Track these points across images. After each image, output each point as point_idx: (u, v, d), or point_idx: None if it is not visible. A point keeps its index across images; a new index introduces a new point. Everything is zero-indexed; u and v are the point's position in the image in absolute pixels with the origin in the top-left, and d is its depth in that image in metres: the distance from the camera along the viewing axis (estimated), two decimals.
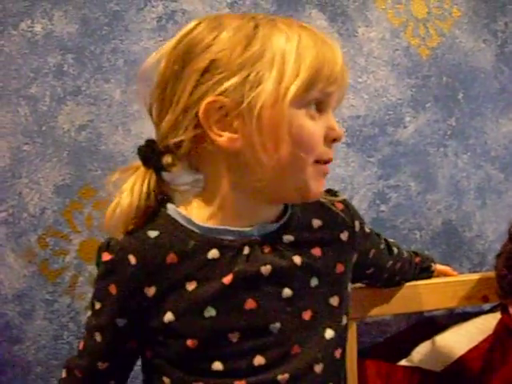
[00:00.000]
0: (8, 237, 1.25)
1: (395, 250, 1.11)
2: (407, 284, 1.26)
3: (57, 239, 1.26)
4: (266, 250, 0.79)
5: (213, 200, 0.79)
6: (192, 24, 0.78)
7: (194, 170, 0.81)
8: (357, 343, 1.20)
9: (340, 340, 0.85)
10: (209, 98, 0.72)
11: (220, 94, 0.72)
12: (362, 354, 1.25)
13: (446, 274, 1.26)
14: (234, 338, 0.77)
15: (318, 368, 0.81)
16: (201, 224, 0.78)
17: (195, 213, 0.80)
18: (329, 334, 0.83)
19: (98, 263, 0.80)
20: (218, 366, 0.77)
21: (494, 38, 1.56)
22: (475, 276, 1.29)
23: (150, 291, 0.77)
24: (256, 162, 0.73)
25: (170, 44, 0.78)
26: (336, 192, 0.91)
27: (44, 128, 1.25)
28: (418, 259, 1.18)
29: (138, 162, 0.79)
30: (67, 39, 1.26)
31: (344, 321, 0.86)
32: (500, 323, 1.22)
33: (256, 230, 0.79)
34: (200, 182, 0.81)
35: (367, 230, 0.96)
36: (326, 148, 0.76)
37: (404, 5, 1.48)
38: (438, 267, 1.24)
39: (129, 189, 0.77)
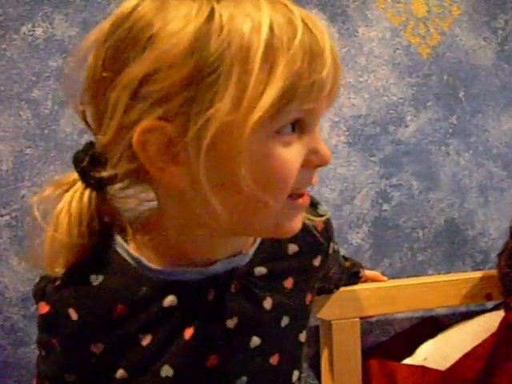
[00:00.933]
0: (12, 240, 1.25)
1: (345, 263, 1.06)
2: (411, 283, 1.26)
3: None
4: (234, 289, 0.67)
5: (165, 233, 0.64)
6: (132, 1, 0.58)
7: (143, 186, 0.65)
8: (360, 342, 1.20)
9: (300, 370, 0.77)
10: (145, 122, 0.55)
11: (160, 118, 0.55)
12: (366, 353, 1.25)
13: (374, 280, 1.24)
14: None
15: None
16: (153, 266, 0.64)
17: (146, 250, 0.65)
18: (295, 375, 0.75)
19: (36, 305, 0.66)
20: None
21: (494, 35, 1.56)
22: (478, 274, 1.30)
23: (97, 348, 0.64)
24: (208, 204, 0.56)
25: (102, 30, 0.60)
26: (317, 204, 0.80)
27: (46, 131, 1.25)
28: (347, 264, 1.10)
29: (75, 174, 0.63)
30: (68, 42, 1.26)
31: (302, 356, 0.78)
32: (504, 321, 1.22)
33: (221, 265, 0.66)
34: (150, 200, 0.67)
35: (336, 247, 0.87)
36: (306, 176, 0.60)
37: (404, 4, 1.48)
38: (367, 272, 1.21)
39: (65, 210, 0.62)
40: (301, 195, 0.61)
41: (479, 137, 1.55)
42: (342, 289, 1.18)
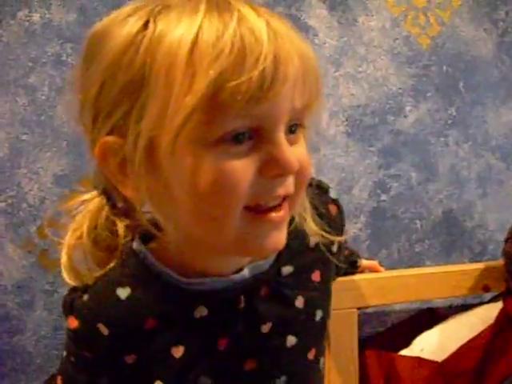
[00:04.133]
0: (7, 227, 1.24)
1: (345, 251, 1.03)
2: (408, 274, 1.26)
3: (56, 229, 1.25)
4: (265, 293, 0.65)
5: (178, 246, 0.62)
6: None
7: None
8: (357, 333, 1.19)
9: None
10: (101, 139, 0.55)
11: (110, 133, 0.54)
12: (363, 344, 1.24)
13: (372, 270, 1.23)
14: None
15: None
16: (181, 278, 0.62)
17: (170, 261, 0.63)
18: (321, 362, 0.74)
19: (65, 318, 0.65)
20: None
21: (494, 27, 1.55)
22: (476, 266, 1.29)
23: (130, 359, 0.63)
24: (163, 220, 0.58)
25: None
26: (328, 188, 0.75)
27: (43, 118, 1.25)
28: (346, 252, 1.06)
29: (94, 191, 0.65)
30: (65, 28, 1.25)
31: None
32: (501, 312, 1.22)
33: (247, 271, 0.63)
34: None
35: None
36: (267, 187, 0.54)
37: None
38: (364, 262, 1.20)
39: (88, 218, 0.63)
40: (271, 209, 0.55)
41: (478, 128, 1.54)
42: (340, 279, 1.15)
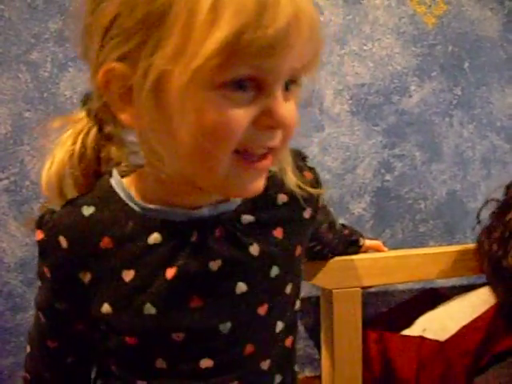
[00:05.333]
0: (10, 205, 1.24)
1: (337, 225, 1.05)
2: (412, 253, 1.26)
3: None
4: (219, 234, 0.67)
5: (151, 176, 0.66)
6: None
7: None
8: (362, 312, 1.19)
9: (291, 328, 0.75)
10: (105, 65, 0.57)
11: (119, 60, 0.57)
12: (366, 324, 1.24)
13: (376, 250, 1.23)
14: (178, 337, 0.66)
15: (265, 364, 0.72)
16: (141, 203, 0.66)
17: (137, 187, 0.67)
18: (279, 326, 0.73)
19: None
20: (161, 364, 0.68)
21: (500, 6, 1.54)
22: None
23: (86, 277, 0.66)
24: (159, 148, 0.60)
25: None
26: (305, 157, 0.78)
27: (45, 95, 1.23)
28: (346, 231, 1.12)
29: (82, 112, 0.68)
30: (68, 4, 1.23)
31: (297, 306, 0.77)
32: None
33: (207, 210, 0.66)
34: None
35: (324, 202, 0.84)
36: (260, 134, 0.57)
37: None
38: (368, 242, 1.19)
39: (65, 140, 0.66)
40: (259, 157, 0.59)
41: (483, 109, 1.53)
42: (343, 258, 1.17)
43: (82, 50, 0.62)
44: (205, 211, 0.66)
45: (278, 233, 0.71)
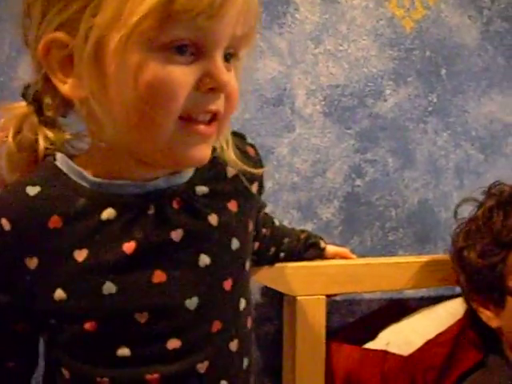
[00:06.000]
0: None
1: (276, 221, 1.07)
2: (381, 262, 1.22)
3: None
4: (177, 205, 0.66)
5: (97, 149, 0.66)
6: None
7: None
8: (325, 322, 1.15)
9: (250, 308, 0.76)
10: (46, 36, 0.58)
11: (58, 29, 0.58)
12: (330, 335, 1.20)
13: (343, 257, 1.21)
14: (141, 318, 0.64)
15: (234, 345, 0.71)
16: (92, 178, 0.64)
17: (87, 164, 0.66)
18: (242, 304, 0.73)
19: None
20: (124, 351, 0.64)
21: (479, 14, 1.51)
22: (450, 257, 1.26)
23: (32, 263, 0.62)
24: (102, 117, 0.60)
25: None
26: (243, 136, 0.79)
27: (2, 79, 1.17)
28: (304, 235, 1.12)
29: (21, 101, 0.68)
30: None
31: (249, 287, 0.77)
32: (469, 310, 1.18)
33: (162, 181, 0.66)
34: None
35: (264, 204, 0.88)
36: (203, 98, 0.60)
37: None
38: (333, 248, 1.19)
39: (9, 129, 0.66)
40: (203, 123, 0.61)
41: (458, 117, 1.50)
42: (309, 263, 1.14)
43: (23, 36, 0.63)
44: (159, 183, 0.66)
45: (233, 205, 0.72)
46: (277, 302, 1.23)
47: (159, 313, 0.65)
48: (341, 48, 1.37)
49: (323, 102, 1.35)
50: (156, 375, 0.65)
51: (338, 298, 1.31)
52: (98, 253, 0.62)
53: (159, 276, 0.64)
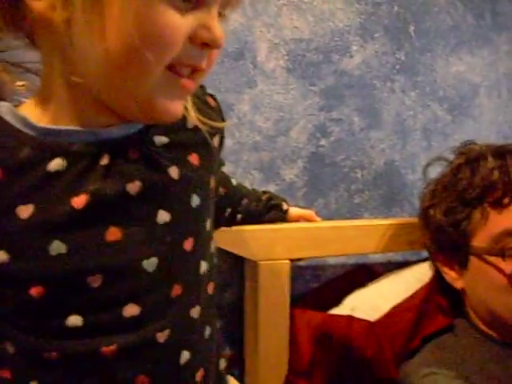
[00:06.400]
0: None
1: (234, 181, 1.00)
2: (346, 225, 1.17)
3: None
4: (133, 156, 0.61)
5: (49, 90, 0.60)
6: None
7: (32, 46, 0.61)
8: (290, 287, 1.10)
9: (211, 272, 0.71)
10: None
11: None
12: (293, 301, 1.15)
13: (307, 219, 1.16)
14: (94, 282, 0.58)
15: (195, 312, 0.66)
16: (38, 124, 0.58)
17: (34, 111, 0.60)
18: (203, 267, 0.68)
19: None
20: (75, 320, 0.58)
21: None
22: (417, 220, 1.22)
23: None
24: (82, 48, 0.54)
25: None
26: (202, 85, 0.74)
27: None
28: (265, 196, 1.07)
29: None
30: None
31: (212, 248, 0.72)
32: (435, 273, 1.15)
33: (116, 130, 0.61)
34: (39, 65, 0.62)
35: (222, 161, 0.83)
36: (193, 51, 0.58)
37: None
38: (297, 210, 1.14)
39: None
40: (186, 77, 0.59)
41: (426, 76, 1.45)
42: (271, 227, 1.09)
43: None
44: (114, 131, 0.60)
45: (194, 159, 0.66)
46: (237, 267, 1.17)
47: (114, 275, 0.59)
48: (305, 0, 1.29)
49: (286, 57, 1.28)
50: (112, 347, 0.59)
51: (302, 263, 1.26)
52: (44, 208, 0.56)
53: (113, 233, 0.59)
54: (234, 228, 1.04)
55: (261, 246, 1.07)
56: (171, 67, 0.57)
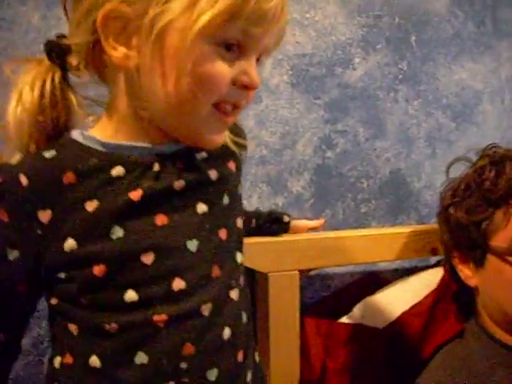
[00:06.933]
0: None
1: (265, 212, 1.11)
2: (353, 235, 1.19)
3: None
4: (179, 165, 0.73)
5: (115, 116, 0.72)
6: None
7: (102, 82, 0.74)
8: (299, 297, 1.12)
9: (242, 267, 0.81)
10: (109, 5, 0.65)
11: (123, 2, 0.64)
12: (304, 310, 1.17)
13: (315, 228, 1.19)
14: (147, 259, 0.69)
15: (234, 295, 0.76)
16: (104, 140, 0.70)
17: (99, 131, 0.72)
18: (239, 257, 0.79)
19: None
20: (131, 295, 0.68)
21: None
22: (423, 228, 1.24)
23: (45, 216, 0.67)
24: (149, 89, 0.67)
25: None
26: None
27: None
28: (266, 212, 1.14)
29: (43, 56, 0.71)
30: None
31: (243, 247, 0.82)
32: (443, 278, 1.17)
33: (167, 146, 0.73)
34: (106, 97, 0.74)
35: None
36: (235, 92, 0.69)
37: None
38: (304, 222, 1.17)
39: (29, 81, 0.69)
40: (229, 110, 0.70)
41: (429, 85, 1.47)
42: (280, 239, 1.11)
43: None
44: (164, 148, 0.72)
45: (232, 166, 0.79)
46: (247, 279, 1.19)
47: (163, 252, 0.69)
48: (307, 16, 1.33)
49: (290, 72, 1.31)
50: (163, 316, 0.69)
51: (311, 272, 1.28)
52: (106, 202, 0.68)
53: (161, 219, 0.70)
54: (243, 241, 1.07)
55: (270, 258, 1.09)
56: (217, 105, 0.68)
